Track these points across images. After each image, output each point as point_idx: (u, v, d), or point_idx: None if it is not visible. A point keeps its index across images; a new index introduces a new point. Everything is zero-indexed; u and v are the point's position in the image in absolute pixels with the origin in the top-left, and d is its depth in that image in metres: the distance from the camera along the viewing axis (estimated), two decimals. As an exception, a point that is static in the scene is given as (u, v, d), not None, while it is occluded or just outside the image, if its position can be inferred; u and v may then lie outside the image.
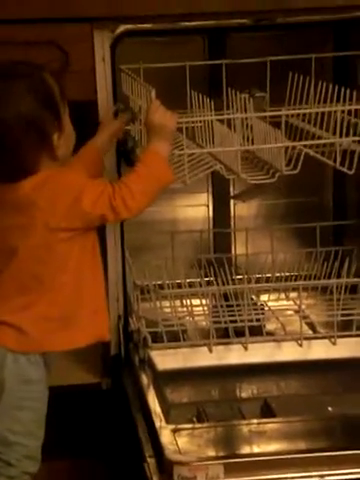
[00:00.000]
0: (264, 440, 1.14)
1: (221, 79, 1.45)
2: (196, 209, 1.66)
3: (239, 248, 1.65)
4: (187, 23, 1.35)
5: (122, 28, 1.32)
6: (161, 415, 1.20)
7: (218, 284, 1.55)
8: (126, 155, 1.36)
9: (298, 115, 1.34)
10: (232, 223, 1.66)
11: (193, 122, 1.28)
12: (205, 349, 1.38)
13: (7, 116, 1.10)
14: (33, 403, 1.17)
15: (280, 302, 1.54)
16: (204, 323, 1.48)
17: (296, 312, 1.48)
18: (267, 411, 1.29)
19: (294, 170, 1.16)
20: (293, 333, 1.41)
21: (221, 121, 1.26)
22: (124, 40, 1.35)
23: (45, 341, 1.16)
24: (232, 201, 1.64)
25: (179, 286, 1.56)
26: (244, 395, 1.38)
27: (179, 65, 1.40)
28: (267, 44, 1.54)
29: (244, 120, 1.23)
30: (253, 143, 1.23)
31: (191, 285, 1.56)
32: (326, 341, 1.39)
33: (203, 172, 1.22)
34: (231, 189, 1.64)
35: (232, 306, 1.49)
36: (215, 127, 1.27)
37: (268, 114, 1.23)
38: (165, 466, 1.09)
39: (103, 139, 1.31)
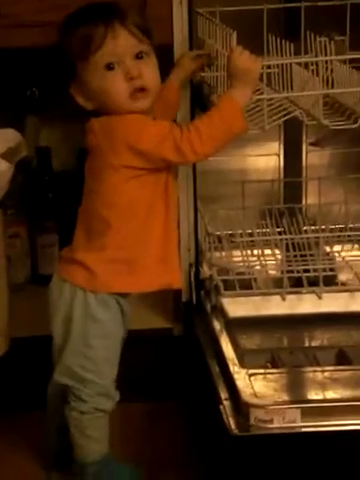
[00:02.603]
0: (340, 387, 1.14)
1: (297, 23, 1.40)
2: (267, 158, 1.64)
3: (311, 198, 1.62)
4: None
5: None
6: (235, 360, 1.21)
7: (290, 234, 1.54)
8: (201, 102, 1.34)
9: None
10: (304, 172, 1.63)
11: (271, 67, 1.26)
12: (277, 298, 1.37)
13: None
14: (101, 341, 1.20)
15: (354, 252, 1.52)
16: (276, 272, 1.48)
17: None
18: (343, 359, 1.28)
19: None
20: (367, 284, 1.39)
21: (299, 66, 1.23)
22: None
23: (112, 282, 1.18)
24: (304, 150, 1.62)
25: (250, 235, 1.55)
26: (318, 344, 1.37)
27: (257, 8, 1.37)
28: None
29: (324, 64, 1.20)
30: (333, 87, 1.21)
31: (263, 235, 1.55)
32: None
33: (282, 118, 1.20)
34: (304, 137, 1.61)
35: (305, 256, 1.48)
36: (294, 71, 1.24)
37: (352, 57, 1.20)
38: (241, 409, 1.10)
39: (180, 77, 1.29)
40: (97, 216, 1.18)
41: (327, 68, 1.20)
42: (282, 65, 1.26)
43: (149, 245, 1.18)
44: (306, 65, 1.22)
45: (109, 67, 1.14)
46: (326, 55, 1.19)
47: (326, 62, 1.19)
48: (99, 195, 1.17)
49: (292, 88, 1.24)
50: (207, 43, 1.32)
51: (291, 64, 1.24)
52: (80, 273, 1.18)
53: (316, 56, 1.20)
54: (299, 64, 1.24)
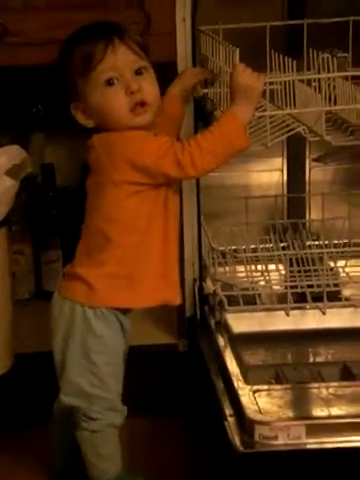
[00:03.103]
0: (345, 403, 1.14)
1: (299, 40, 1.42)
2: (270, 174, 1.65)
3: (314, 213, 1.63)
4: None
5: (203, -13, 1.31)
6: (239, 376, 1.21)
7: (294, 249, 1.54)
8: (204, 118, 1.35)
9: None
10: (307, 188, 1.64)
11: (274, 83, 1.27)
12: (282, 313, 1.37)
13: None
14: (104, 357, 1.20)
15: (358, 268, 1.52)
16: (280, 287, 1.48)
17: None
18: (347, 375, 1.28)
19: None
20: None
21: (302, 82, 1.24)
22: (203, 1, 1.34)
23: (111, 297, 1.18)
24: (308, 165, 1.62)
25: (254, 251, 1.55)
26: (322, 359, 1.37)
27: (260, 25, 1.38)
28: (346, 3, 1.50)
29: (326, 80, 1.21)
30: (336, 104, 1.21)
31: (266, 250, 1.56)
32: None
33: (285, 134, 1.21)
34: (307, 153, 1.62)
35: (309, 271, 1.48)
36: (297, 88, 1.25)
37: (353, 74, 1.20)
38: (246, 425, 1.10)
39: (180, 89, 1.30)
40: (98, 231, 1.19)
41: (329, 85, 1.21)
42: (285, 82, 1.26)
43: (149, 260, 1.19)
44: (309, 82, 1.23)
45: (109, 83, 1.15)
46: (328, 72, 1.19)
47: (328, 79, 1.20)
48: (100, 211, 1.18)
49: (295, 105, 1.25)
50: (210, 60, 1.33)
51: (293, 81, 1.25)
52: (79, 288, 1.19)
53: (318, 73, 1.21)
54: (302, 81, 1.25)
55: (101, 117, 1.16)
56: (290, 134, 1.21)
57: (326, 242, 1.54)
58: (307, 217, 1.64)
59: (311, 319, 1.38)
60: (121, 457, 1.25)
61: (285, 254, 1.48)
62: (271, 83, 1.23)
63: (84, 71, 1.15)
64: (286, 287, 1.41)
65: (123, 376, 1.23)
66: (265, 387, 1.19)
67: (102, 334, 1.19)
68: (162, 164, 1.13)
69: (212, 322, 1.39)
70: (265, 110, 1.20)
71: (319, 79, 1.18)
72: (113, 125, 1.16)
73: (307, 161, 1.62)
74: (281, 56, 1.33)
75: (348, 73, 1.22)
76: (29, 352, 1.42)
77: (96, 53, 1.14)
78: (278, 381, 1.29)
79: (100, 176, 1.17)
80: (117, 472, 1.24)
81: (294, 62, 1.30)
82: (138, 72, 1.16)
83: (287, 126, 1.22)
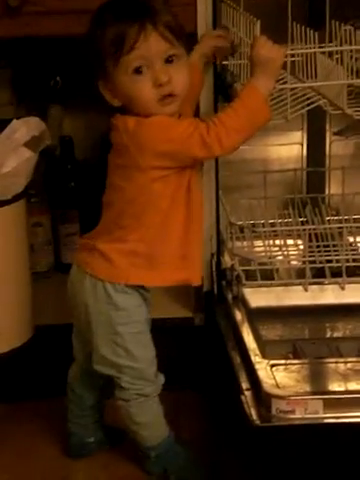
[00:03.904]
0: (363, 378, 1.14)
1: (321, 11, 1.38)
2: (289, 147, 1.63)
3: (334, 188, 1.61)
4: None
5: None
6: (257, 350, 1.21)
7: (313, 224, 1.53)
8: (224, 90, 1.33)
9: None
10: (327, 162, 1.61)
11: (295, 56, 1.25)
12: (300, 288, 1.37)
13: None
14: (127, 327, 1.21)
15: (377, 243, 1.51)
16: (298, 263, 1.47)
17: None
18: (366, 350, 1.28)
19: None
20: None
21: (323, 55, 1.22)
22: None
23: (131, 274, 1.19)
24: (328, 139, 1.60)
25: (272, 226, 1.54)
26: (340, 335, 1.36)
27: (282, -4, 1.36)
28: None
29: (349, 53, 1.19)
30: (358, 77, 1.19)
31: (285, 225, 1.54)
32: None
33: (305, 108, 1.19)
34: (327, 126, 1.60)
35: (328, 246, 1.47)
36: (318, 60, 1.23)
37: (375, 46, 1.18)
38: (263, 399, 1.10)
39: (201, 54, 1.29)
40: (121, 211, 1.19)
41: (352, 57, 1.19)
42: (306, 54, 1.24)
43: (169, 241, 1.19)
44: (330, 54, 1.21)
45: (138, 71, 1.12)
46: (351, 44, 1.17)
47: (351, 51, 1.18)
48: (124, 192, 1.18)
49: (316, 77, 1.23)
50: (231, 31, 1.31)
51: (315, 53, 1.22)
52: (101, 264, 1.19)
53: (341, 45, 1.19)
54: (323, 53, 1.23)
55: (128, 101, 1.15)
56: (311, 107, 1.19)
57: (346, 217, 1.53)
58: (327, 192, 1.63)
59: (330, 294, 1.38)
60: (164, 423, 1.25)
61: (304, 229, 1.47)
62: (292, 55, 1.21)
63: (115, 54, 1.12)
64: (304, 262, 1.40)
65: (152, 344, 1.23)
66: (282, 361, 1.19)
67: (124, 307, 1.20)
68: (189, 147, 1.13)
69: (229, 296, 1.39)
70: (286, 82, 1.18)
71: (341, 51, 1.16)
72: (139, 110, 1.14)
73: (327, 134, 1.60)
74: (303, 27, 1.30)
75: (371, 45, 1.20)
76: (48, 324, 1.43)
77: (127, 39, 1.11)
78: (296, 356, 1.29)
79: (125, 159, 1.16)
80: (162, 439, 1.26)
81: (316, 34, 1.28)
82: (168, 60, 1.13)
83: (308, 99, 1.20)
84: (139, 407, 1.24)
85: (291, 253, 1.50)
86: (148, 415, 1.25)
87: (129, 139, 1.15)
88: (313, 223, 1.54)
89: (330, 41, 1.32)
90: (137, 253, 1.18)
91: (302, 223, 1.56)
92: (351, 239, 1.51)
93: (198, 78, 1.30)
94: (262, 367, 1.16)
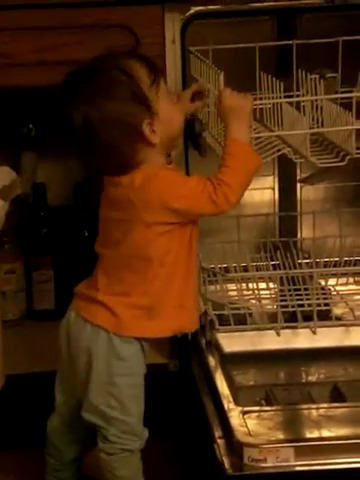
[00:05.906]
0: (335, 424, 1.14)
1: (289, 60, 1.42)
2: (262, 192, 1.65)
3: (305, 232, 1.63)
4: (257, 4, 1.34)
5: (192, 10, 1.33)
6: (230, 397, 1.21)
7: (285, 268, 1.55)
8: (194, 139, 1.36)
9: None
10: (299, 206, 1.64)
11: (262, 104, 1.27)
12: (272, 332, 1.37)
13: (92, 116, 1.13)
14: (126, 379, 1.20)
15: (349, 287, 1.53)
16: (271, 307, 1.48)
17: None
18: (337, 396, 1.28)
19: (365, 153, 1.14)
20: (362, 318, 1.39)
21: (290, 103, 1.25)
22: (193, 22, 1.35)
23: (133, 327, 1.19)
24: (299, 184, 1.63)
25: (245, 269, 1.55)
26: (313, 379, 1.37)
27: (249, 46, 1.39)
28: (337, 24, 1.51)
29: (314, 102, 1.22)
30: (323, 125, 1.22)
31: (257, 268, 1.56)
32: None
33: (271, 155, 1.21)
34: (298, 172, 1.62)
35: (299, 290, 1.48)
36: (284, 109, 1.26)
37: (338, 96, 1.21)
38: (235, 448, 1.09)
39: None
40: (124, 265, 1.19)
41: (317, 106, 1.22)
42: (273, 103, 1.27)
43: (171, 293, 1.20)
44: (297, 102, 1.24)
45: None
46: (315, 94, 1.21)
47: (315, 100, 1.20)
48: (127, 247, 1.18)
49: (282, 126, 1.26)
50: (199, 82, 1.33)
51: (281, 102, 1.25)
52: (103, 314, 1.19)
53: (307, 94, 1.22)
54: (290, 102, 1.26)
55: (166, 127, 1.16)
56: (276, 155, 1.21)
57: (317, 261, 1.54)
58: (299, 235, 1.65)
59: (302, 338, 1.38)
60: (142, 477, 1.23)
61: (276, 273, 1.48)
62: (260, 104, 1.24)
63: (154, 82, 1.15)
64: (277, 306, 1.41)
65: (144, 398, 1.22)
66: (255, 408, 1.19)
67: (126, 356, 1.19)
68: (198, 206, 1.15)
69: (203, 342, 1.39)
70: (251, 131, 1.20)
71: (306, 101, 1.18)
72: (169, 141, 1.18)
73: (297, 180, 1.63)
74: (270, 77, 1.33)
75: (332, 96, 1.23)
76: (21, 373, 1.41)
77: (155, 65, 1.17)
78: (268, 402, 1.29)
79: (128, 214, 1.17)
80: None
81: (282, 83, 1.31)
82: None
83: (274, 147, 1.23)
84: (122, 462, 1.21)
85: (264, 297, 1.50)
86: (130, 469, 1.23)
87: (135, 195, 1.15)
88: (285, 267, 1.55)
89: (298, 89, 1.36)
90: (139, 306, 1.19)
91: (274, 267, 1.57)
92: (323, 282, 1.52)
93: None
94: (235, 415, 1.16)
